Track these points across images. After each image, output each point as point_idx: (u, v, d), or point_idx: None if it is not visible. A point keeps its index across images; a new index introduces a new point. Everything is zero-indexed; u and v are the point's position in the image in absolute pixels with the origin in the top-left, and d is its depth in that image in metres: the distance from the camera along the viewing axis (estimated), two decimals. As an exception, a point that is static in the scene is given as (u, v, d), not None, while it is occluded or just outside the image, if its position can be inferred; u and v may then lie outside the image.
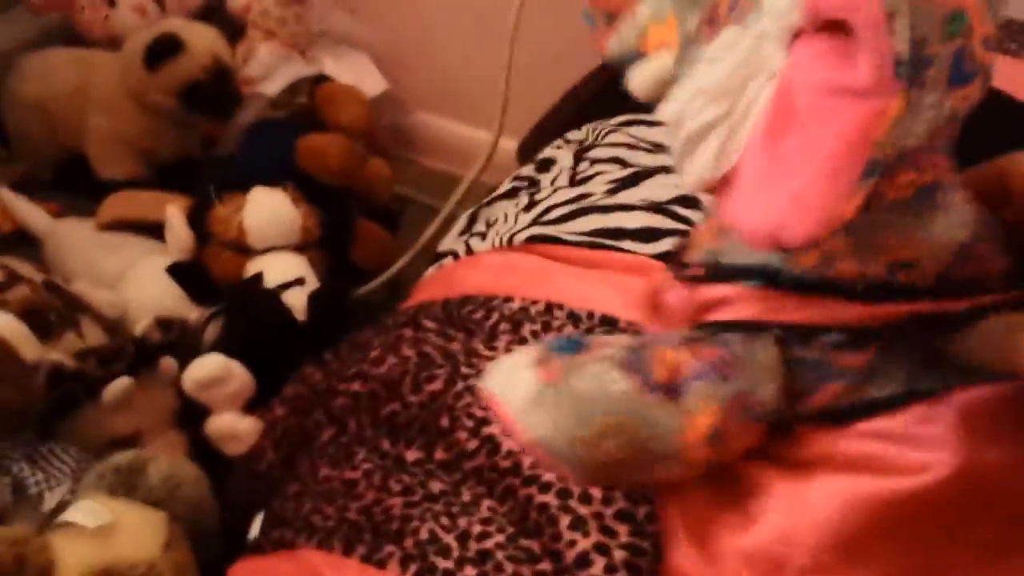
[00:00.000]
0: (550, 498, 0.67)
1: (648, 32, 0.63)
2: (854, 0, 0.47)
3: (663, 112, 0.56)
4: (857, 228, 0.52)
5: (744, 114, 0.52)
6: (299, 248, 1.25)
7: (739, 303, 0.57)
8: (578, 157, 1.13)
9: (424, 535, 0.68)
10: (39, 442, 0.96)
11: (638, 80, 0.62)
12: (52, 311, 1.05)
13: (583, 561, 0.64)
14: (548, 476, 0.68)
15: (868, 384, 0.56)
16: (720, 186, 0.54)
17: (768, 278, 0.56)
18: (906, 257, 0.54)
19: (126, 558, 0.76)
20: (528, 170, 1.18)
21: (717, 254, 0.60)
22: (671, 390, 0.55)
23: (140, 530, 0.80)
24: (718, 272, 0.59)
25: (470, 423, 0.75)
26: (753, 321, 0.56)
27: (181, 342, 1.12)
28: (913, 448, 0.55)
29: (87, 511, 0.79)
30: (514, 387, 0.57)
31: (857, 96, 0.47)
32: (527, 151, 1.40)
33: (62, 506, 0.88)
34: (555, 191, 1.05)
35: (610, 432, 0.54)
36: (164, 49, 1.38)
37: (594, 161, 1.09)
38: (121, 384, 1.02)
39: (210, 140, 1.57)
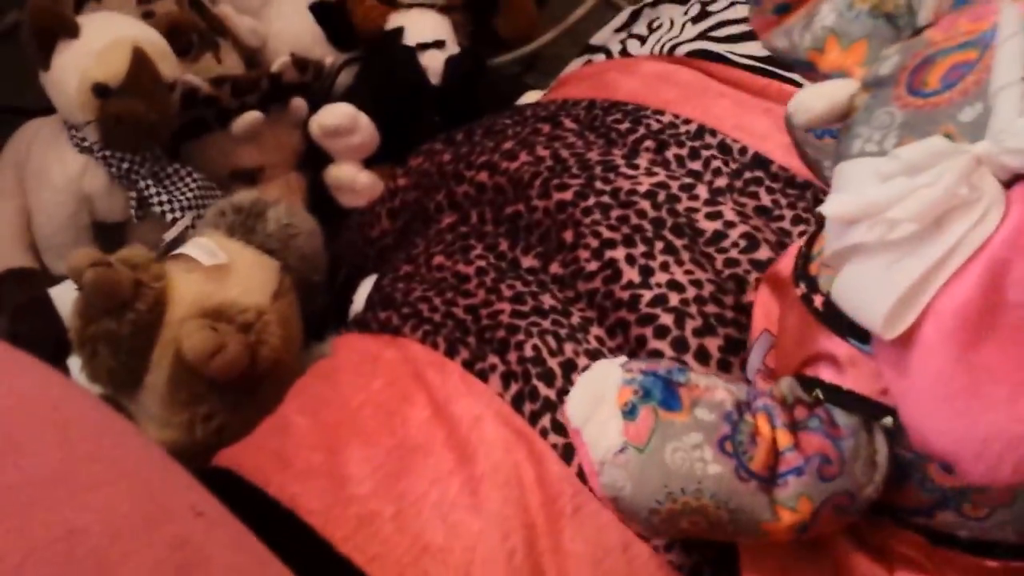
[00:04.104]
0: (664, 346, 0.65)
1: (827, 46, 0.52)
2: None
3: (833, 204, 0.43)
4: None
5: (940, 263, 0.40)
6: (444, 9, 1.20)
7: (851, 370, 0.48)
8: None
9: (529, 352, 0.67)
10: (167, 162, 0.97)
11: (806, 102, 0.50)
12: (195, 31, 1.04)
13: None
14: (665, 319, 0.66)
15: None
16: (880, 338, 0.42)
17: None
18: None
19: (237, 302, 0.77)
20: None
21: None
22: (767, 480, 0.49)
23: (253, 276, 0.82)
24: (833, 316, 0.49)
25: (594, 242, 0.73)
26: (866, 399, 0.48)
27: (314, 84, 1.10)
28: None
29: (205, 248, 0.81)
30: (600, 429, 0.50)
31: None
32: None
33: (181, 237, 0.90)
34: (731, 5, 0.97)
35: (691, 510, 0.49)
36: None
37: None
38: (252, 117, 1.02)
39: None
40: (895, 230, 0.41)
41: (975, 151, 0.41)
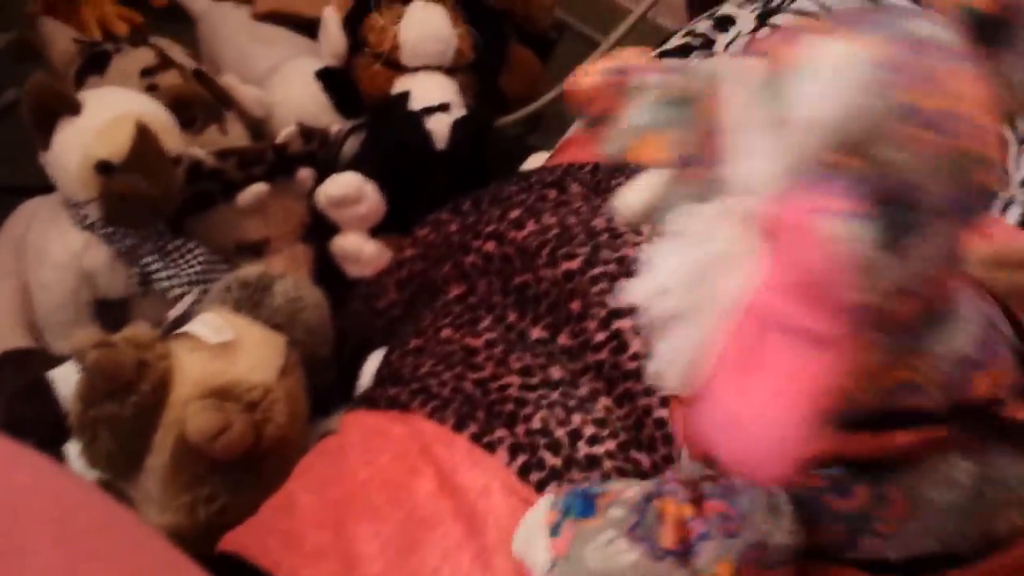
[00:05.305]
0: (668, 413, 0.65)
1: (647, 141, 0.52)
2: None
3: (636, 290, 0.48)
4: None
5: (705, 313, 0.45)
6: (449, 71, 1.20)
7: None
8: (760, 21, 1.04)
9: (536, 424, 0.67)
10: (171, 237, 0.96)
11: (626, 202, 0.53)
12: (199, 103, 1.03)
13: None
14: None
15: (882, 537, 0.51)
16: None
17: None
18: (905, 378, 0.47)
19: (243, 380, 0.76)
20: (704, 27, 1.10)
21: None
22: (682, 554, 0.51)
23: (259, 352, 0.81)
24: None
25: (602, 313, 0.72)
26: None
27: (320, 153, 1.10)
28: None
29: (211, 325, 0.80)
30: (535, 553, 0.54)
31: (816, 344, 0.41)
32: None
33: (187, 315, 0.89)
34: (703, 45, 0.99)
35: None
36: None
37: (775, 28, 1.01)
38: (257, 189, 1.02)
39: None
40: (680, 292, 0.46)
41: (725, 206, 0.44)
